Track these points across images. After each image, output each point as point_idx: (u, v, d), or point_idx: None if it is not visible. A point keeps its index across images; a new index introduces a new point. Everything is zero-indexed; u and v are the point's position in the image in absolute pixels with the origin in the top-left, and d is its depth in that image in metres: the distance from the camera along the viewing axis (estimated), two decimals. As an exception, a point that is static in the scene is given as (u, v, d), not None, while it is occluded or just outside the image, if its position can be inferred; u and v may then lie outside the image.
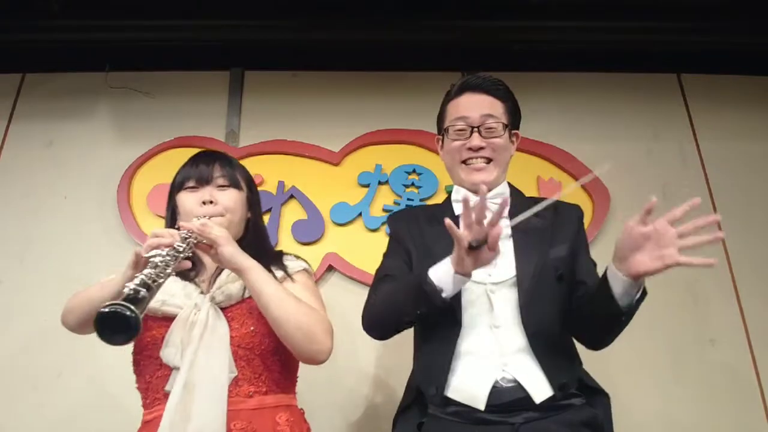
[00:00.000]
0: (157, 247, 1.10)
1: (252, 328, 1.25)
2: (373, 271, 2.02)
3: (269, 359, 1.26)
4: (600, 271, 1.24)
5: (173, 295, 1.25)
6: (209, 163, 1.36)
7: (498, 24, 2.24)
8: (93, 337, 2.07)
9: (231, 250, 1.20)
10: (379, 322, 1.31)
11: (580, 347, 1.34)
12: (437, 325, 1.26)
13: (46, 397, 1.90)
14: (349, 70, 2.41)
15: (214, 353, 1.18)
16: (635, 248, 1.10)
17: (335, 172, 2.23)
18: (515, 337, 1.22)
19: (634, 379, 1.92)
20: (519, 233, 1.30)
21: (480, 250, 1.08)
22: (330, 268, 2.08)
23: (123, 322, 0.91)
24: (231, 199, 1.34)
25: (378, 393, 1.92)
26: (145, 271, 1.02)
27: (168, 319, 1.23)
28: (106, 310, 0.91)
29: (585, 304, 1.24)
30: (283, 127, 2.29)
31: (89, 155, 2.25)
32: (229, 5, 2.16)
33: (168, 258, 1.07)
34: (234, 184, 1.36)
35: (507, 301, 1.25)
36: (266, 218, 2.09)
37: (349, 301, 1.97)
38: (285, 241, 2.10)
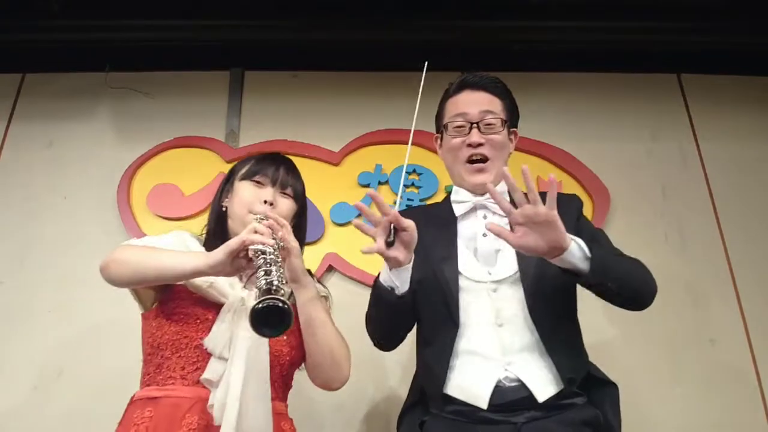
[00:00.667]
0: (260, 243, 1.10)
1: (285, 337, 1.25)
2: (373, 271, 2.03)
3: (286, 370, 1.28)
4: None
5: (217, 280, 1.23)
6: (288, 171, 1.39)
7: (498, 24, 2.24)
8: (94, 337, 2.08)
9: (300, 262, 1.24)
10: (376, 339, 1.37)
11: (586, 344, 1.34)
12: (436, 325, 1.27)
13: (46, 396, 1.90)
14: (349, 70, 2.41)
15: (261, 351, 1.19)
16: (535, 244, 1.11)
17: (335, 172, 2.23)
18: (520, 334, 1.22)
19: (634, 379, 1.92)
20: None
21: (398, 238, 1.16)
22: (330, 269, 2.08)
23: (281, 316, 0.97)
24: (288, 208, 1.36)
25: (380, 392, 1.92)
26: (274, 270, 1.05)
27: (208, 301, 1.22)
28: (263, 306, 0.96)
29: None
30: (283, 127, 2.29)
31: (89, 156, 2.25)
32: (229, 5, 2.16)
33: (278, 259, 1.09)
34: (295, 197, 1.39)
35: (510, 298, 1.25)
36: (266, 218, 2.10)
37: (349, 302, 1.97)
38: (285, 241, 2.10)
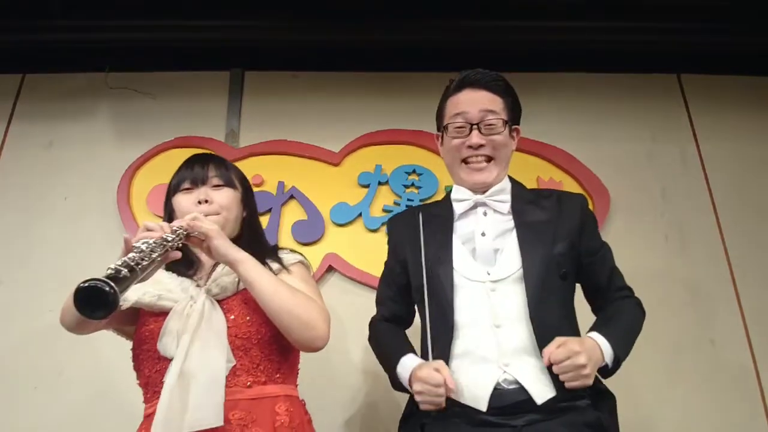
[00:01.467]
0: (146, 237, 1.11)
1: (248, 318, 1.26)
2: (373, 272, 2.03)
3: (267, 349, 1.26)
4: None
5: (170, 290, 1.27)
6: (204, 164, 1.39)
7: (498, 24, 2.23)
8: (94, 336, 2.08)
9: (222, 242, 1.23)
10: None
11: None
12: (433, 327, 1.25)
13: (46, 396, 1.90)
14: (349, 70, 2.41)
15: (211, 343, 1.20)
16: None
17: (335, 172, 2.23)
18: (518, 335, 1.20)
19: (634, 379, 1.92)
20: (523, 227, 1.29)
21: None
22: (330, 269, 2.08)
23: (102, 298, 0.90)
24: (226, 197, 1.37)
25: (379, 392, 1.92)
26: (129, 255, 1.02)
27: (165, 314, 1.25)
28: (85, 285, 0.91)
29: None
30: (283, 127, 2.29)
31: (89, 156, 2.25)
32: (229, 5, 2.16)
33: (154, 245, 1.07)
34: (228, 184, 1.39)
35: (509, 297, 1.23)
36: (266, 218, 2.10)
37: (349, 302, 1.98)
38: (285, 242, 2.10)
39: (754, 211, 2.20)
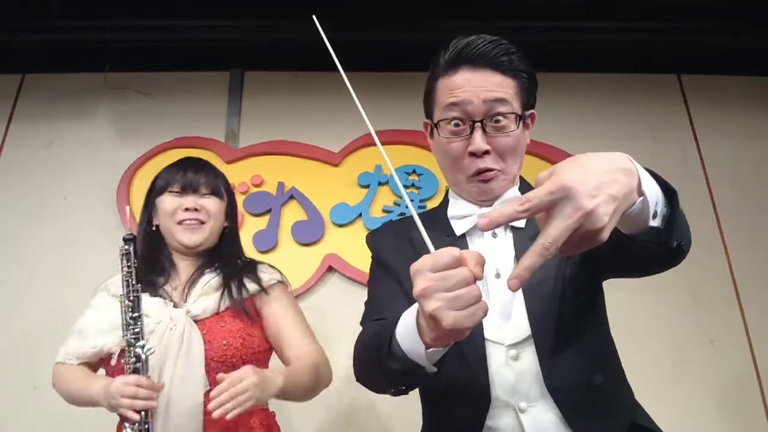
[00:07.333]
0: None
1: (224, 342, 1.26)
2: (373, 272, 2.01)
3: (250, 362, 1.27)
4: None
5: (148, 315, 1.25)
6: (197, 172, 1.39)
7: (498, 24, 2.23)
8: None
9: (263, 395, 1.18)
10: (367, 386, 0.96)
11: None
12: (453, 398, 0.96)
13: (46, 397, 1.89)
14: (349, 70, 2.40)
15: (190, 370, 1.22)
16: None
17: (335, 172, 2.23)
18: (545, 419, 0.91)
19: (634, 378, 1.91)
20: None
21: None
22: (330, 269, 2.08)
23: None
24: (213, 206, 1.38)
25: (379, 398, 1.92)
26: None
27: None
28: None
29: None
30: (283, 127, 2.29)
31: (89, 156, 2.25)
32: (229, 5, 2.16)
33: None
34: (216, 194, 1.40)
35: (529, 369, 0.92)
36: (266, 219, 2.10)
37: (348, 302, 1.98)
38: (285, 242, 2.10)
39: (755, 210, 2.21)
